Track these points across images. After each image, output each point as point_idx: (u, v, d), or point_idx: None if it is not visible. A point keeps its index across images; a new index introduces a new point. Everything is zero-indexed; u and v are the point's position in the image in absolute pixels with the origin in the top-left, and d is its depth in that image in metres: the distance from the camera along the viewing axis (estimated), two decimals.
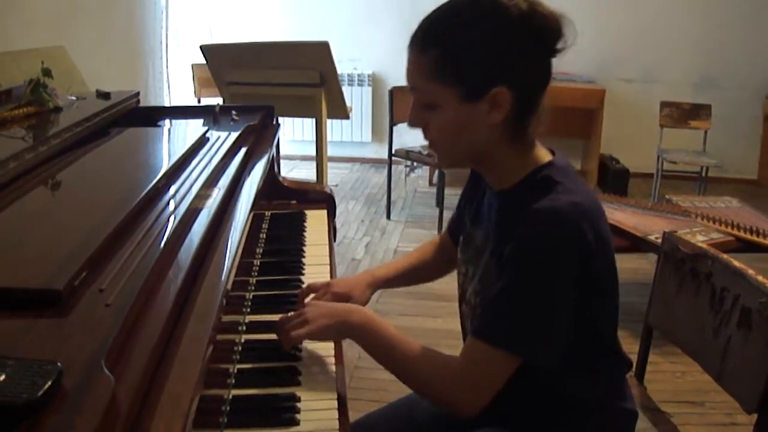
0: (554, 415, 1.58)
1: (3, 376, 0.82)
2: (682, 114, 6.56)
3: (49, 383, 0.82)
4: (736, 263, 1.88)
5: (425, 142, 1.56)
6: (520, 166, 1.49)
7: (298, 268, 2.04)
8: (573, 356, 1.46)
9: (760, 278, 1.78)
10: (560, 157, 1.53)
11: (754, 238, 3.76)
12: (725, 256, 1.94)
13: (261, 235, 2.25)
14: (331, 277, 2.04)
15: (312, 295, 1.77)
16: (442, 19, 1.43)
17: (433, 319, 4.10)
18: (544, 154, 1.51)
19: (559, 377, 1.51)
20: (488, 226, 1.58)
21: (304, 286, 1.88)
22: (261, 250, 2.15)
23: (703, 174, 6.55)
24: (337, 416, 1.39)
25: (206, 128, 2.25)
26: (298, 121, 7.63)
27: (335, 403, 1.43)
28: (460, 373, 1.43)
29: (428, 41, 1.41)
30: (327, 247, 2.24)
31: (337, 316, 1.53)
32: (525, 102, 1.42)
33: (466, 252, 1.68)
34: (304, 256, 2.15)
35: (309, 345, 1.61)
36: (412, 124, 1.51)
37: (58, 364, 0.85)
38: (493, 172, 1.54)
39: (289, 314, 1.56)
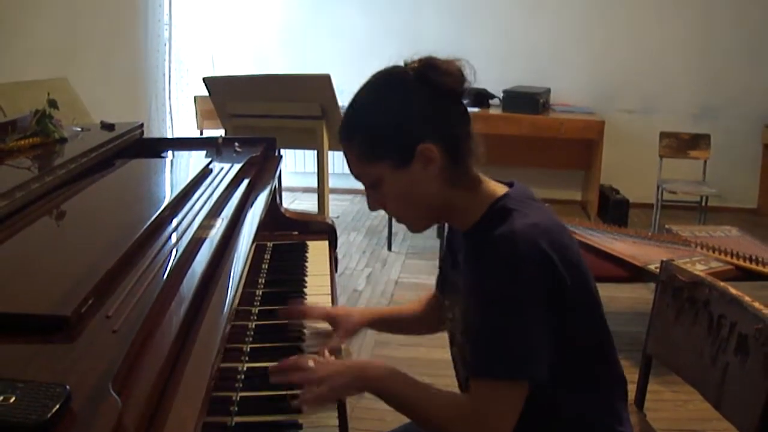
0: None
1: (13, 398, 0.84)
2: (682, 144, 6.59)
3: (58, 405, 0.84)
4: (733, 290, 1.90)
5: None
6: (476, 205, 1.55)
7: (299, 297, 2.06)
8: (564, 374, 1.49)
9: (756, 305, 1.80)
10: (517, 187, 1.59)
11: (754, 266, 3.76)
12: (722, 283, 1.96)
13: (263, 266, 2.27)
14: (333, 305, 2.05)
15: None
16: (353, 109, 1.55)
17: (435, 350, 4.09)
18: (497, 188, 1.58)
19: (553, 397, 1.53)
20: (464, 270, 1.62)
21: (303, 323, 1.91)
22: (263, 280, 2.17)
23: (703, 203, 6.56)
24: None
25: (209, 160, 2.28)
26: (299, 153, 7.65)
27: (337, 431, 1.44)
28: (475, 416, 1.45)
29: (349, 132, 1.53)
30: (328, 277, 2.26)
31: (354, 372, 1.54)
32: (454, 147, 1.51)
33: (449, 297, 1.74)
34: (305, 286, 2.17)
35: None
36: (373, 207, 1.61)
37: (67, 386, 0.87)
38: (456, 218, 1.61)
39: (305, 363, 1.54)
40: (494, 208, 1.52)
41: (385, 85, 1.53)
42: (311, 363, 1.53)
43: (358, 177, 1.56)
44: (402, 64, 1.53)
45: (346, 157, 1.56)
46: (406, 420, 1.82)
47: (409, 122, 1.48)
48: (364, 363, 1.63)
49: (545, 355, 1.44)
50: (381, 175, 1.50)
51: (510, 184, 1.60)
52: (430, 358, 3.98)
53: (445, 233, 1.84)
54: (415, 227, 1.62)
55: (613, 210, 6.55)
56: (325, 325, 1.90)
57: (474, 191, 1.55)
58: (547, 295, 1.42)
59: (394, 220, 1.89)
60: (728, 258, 3.85)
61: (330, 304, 2.06)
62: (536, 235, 1.42)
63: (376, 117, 1.51)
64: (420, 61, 1.50)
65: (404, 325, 2.08)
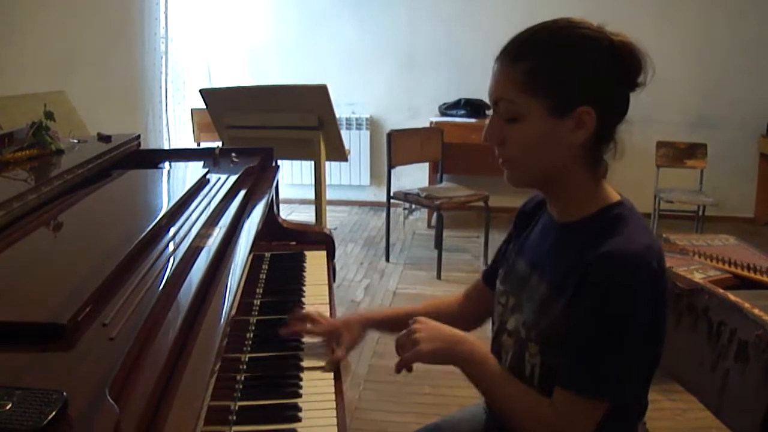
0: None
1: (9, 405, 0.83)
2: (678, 153, 6.60)
3: (54, 412, 0.83)
4: (732, 297, 1.89)
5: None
6: (589, 199, 1.50)
7: (299, 308, 2.05)
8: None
9: (756, 311, 1.79)
10: (627, 199, 1.54)
11: (752, 275, 3.76)
12: (721, 290, 1.95)
13: (261, 276, 2.27)
14: (331, 316, 2.04)
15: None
16: (536, 36, 1.45)
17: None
18: (613, 193, 1.53)
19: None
20: (537, 256, 1.59)
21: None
22: (261, 290, 2.16)
23: (700, 213, 6.57)
24: None
25: (206, 170, 2.28)
26: (296, 164, 7.67)
27: None
28: (554, 423, 1.44)
29: (522, 54, 1.43)
30: (326, 286, 2.26)
31: (445, 342, 1.56)
32: (605, 128, 1.45)
33: (506, 283, 1.68)
34: (303, 296, 2.16)
35: (308, 382, 1.62)
36: (489, 139, 1.49)
37: (63, 393, 0.86)
38: (561, 200, 1.54)
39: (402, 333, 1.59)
40: (609, 213, 1.47)
41: (578, 33, 1.43)
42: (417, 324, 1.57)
43: (497, 101, 1.46)
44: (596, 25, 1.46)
45: (496, 74, 1.46)
46: (406, 430, 1.81)
47: (589, 80, 1.42)
48: (456, 337, 1.59)
49: (636, 381, 1.46)
50: (528, 112, 1.41)
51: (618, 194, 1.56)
52: (431, 369, 3.97)
53: (510, 230, 1.78)
54: (516, 178, 1.51)
55: None
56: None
57: (594, 182, 1.50)
58: (651, 322, 1.41)
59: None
60: (726, 266, 3.85)
61: (328, 314, 2.04)
62: (652, 259, 1.38)
63: (561, 55, 1.42)
64: (617, 35, 1.44)
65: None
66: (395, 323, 1.91)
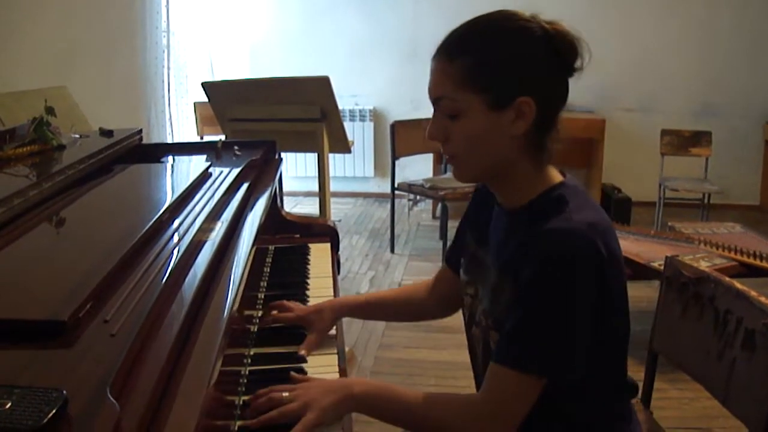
0: None
1: (9, 404, 0.82)
2: (683, 141, 6.58)
3: (54, 411, 0.82)
4: (739, 285, 1.88)
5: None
6: (533, 184, 1.52)
7: (302, 300, 2.04)
8: (586, 381, 1.47)
9: (762, 299, 1.78)
10: (570, 178, 1.55)
11: (758, 262, 3.75)
12: (727, 279, 1.95)
13: (265, 269, 2.26)
14: (338, 337, 2.01)
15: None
16: (471, 32, 1.48)
17: (439, 352, 4.08)
18: (556, 175, 1.55)
19: (567, 400, 1.52)
20: (492, 244, 1.60)
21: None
22: (265, 284, 2.15)
23: (706, 201, 6.55)
24: None
25: (209, 163, 2.27)
26: (300, 157, 7.66)
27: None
28: (484, 404, 1.44)
29: (458, 51, 1.45)
30: (331, 279, 2.25)
31: (337, 391, 1.48)
32: (546, 116, 1.46)
33: (470, 273, 1.70)
34: (308, 289, 2.15)
35: (312, 375, 1.61)
36: (433, 136, 1.53)
37: (64, 392, 0.85)
38: (507, 189, 1.55)
39: (280, 396, 1.45)
40: (550, 195, 1.49)
41: (511, 25, 1.45)
42: (285, 394, 1.45)
43: (437, 100, 1.50)
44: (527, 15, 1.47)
45: (434, 72, 1.50)
46: None
47: (524, 70, 1.44)
48: (348, 380, 1.59)
49: (580, 359, 1.42)
50: (468, 108, 1.44)
51: (563, 174, 1.57)
52: (437, 360, 3.97)
53: (468, 208, 1.81)
54: (464, 174, 1.55)
55: (616, 208, 6.54)
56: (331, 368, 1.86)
57: (538, 169, 1.52)
58: (592, 298, 1.40)
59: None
60: (732, 254, 3.84)
61: (334, 335, 2.01)
62: (594, 235, 1.39)
63: (497, 49, 1.44)
64: (551, 23, 1.45)
65: (398, 310, 2.05)
66: (366, 309, 2.03)
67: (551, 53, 1.43)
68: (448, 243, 5.55)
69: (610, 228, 1.46)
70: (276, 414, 1.41)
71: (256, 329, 1.85)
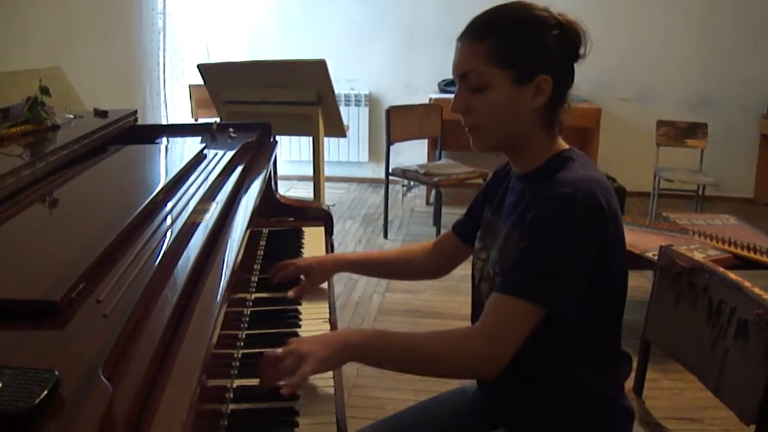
0: (558, 407, 1.64)
1: (0, 385, 0.82)
2: (679, 133, 6.58)
3: (46, 391, 0.81)
4: (733, 276, 1.89)
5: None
6: (544, 150, 1.66)
7: (295, 284, 2.04)
8: (580, 344, 1.60)
9: (756, 290, 1.79)
10: (575, 148, 1.70)
11: (752, 255, 3.75)
12: (721, 269, 1.95)
13: (259, 252, 2.25)
14: (329, 293, 2.04)
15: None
16: (498, 17, 1.63)
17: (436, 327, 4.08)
18: (564, 144, 1.70)
19: (565, 367, 1.61)
20: (507, 209, 1.70)
21: (299, 310, 1.91)
22: (259, 267, 2.15)
23: (700, 192, 6.55)
24: (335, 430, 1.39)
25: (203, 145, 2.26)
26: (295, 141, 7.64)
27: (334, 417, 1.43)
28: (483, 330, 1.52)
29: (485, 32, 1.59)
30: None
31: (332, 342, 1.50)
32: (559, 93, 1.62)
33: (484, 240, 1.79)
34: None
35: None
36: (457, 108, 1.64)
37: (56, 372, 0.85)
38: (522, 156, 1.69)
39: (274, 353, 1.47)
40: (559, 157, 1.64)
41: (531, 14, 1.60)
42: (280, 350, 1.46)
43: (465, 75, 1.61)
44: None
45: (461, 50, 1.63)
46: (404, 407, 1.84)
47: (545, 51, 1.59)
48: (345, 330, 1.62)
49: (575, 296, 1.52)
50: (494, 83, 1.58)
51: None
52: None
53: (486, 185, 1.91)
54: (483, 143, 1.67)
55: None
56: (324, 317, 1.89)
57: (550, 138, 1.67)
58: (592, 244, 1.51)
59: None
60: (726, 246, 3.84)
61: (327, 290, 2.06)
62: (595, 187, 1.52)
63: (523, 30, 1.59)
64: (563, 15, 1.62)
65: (388, 270, 2.19)
66: (365, 265, 2.19)
67: (563, 39, 1.59)
68: (442, 229, 5.58)
69: (610, 188, 1.58)
70: (275, 373, 1.43)
71: (249, 312, 1.85)
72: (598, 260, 1.52)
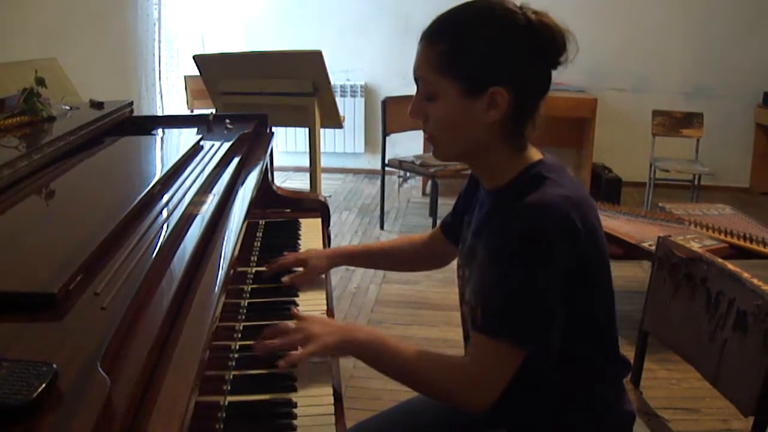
0: (556, 414, 1.62)
1: None
2: (675, 123, 6.57)
3: (44, 384, 0.81)
4: (731, 267, 1.88)
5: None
6: (512, 166, 1.54)
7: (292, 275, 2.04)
8: (574, 354, 1.54)
9: (755, 281, 1.78)
10: (549, 157, 1.58)
11: (748, 244, 3.76)
12: (720, 259, 1.94)
13: (256, 243, 2.25)
14: (326, 284, 2.04)
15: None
16: (453, 18, 1.50)
17: (429, 328, 4.09)
18: (534, 154, 1.57)
19: (562, 376, 1.57)
20: (478, 225, 1.63)
21: (296, 302, 1.91)
22: (256, 258, 2.14)
23: (696, 182, 6.55)
24: (333, 422, 1.39)
25: (200, 137, 2.25)
26: (290, 132, 7.63)
27: (332, 409, 1.43)
28: (468, 371, 1.48)
29: (438, 36, 1.49)
30: None
31: (340, 333, 1.55)
32: (522, 106, 1.48)
33: (462, 255, 1.73)
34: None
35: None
36: (412, 114, 1.56)
37: (54, 365, 0.84)
38: (486, 171, 1.60)
39: (285, 324, 1.57)
40: (529, 173, 1.52)
41: (495, 13, 1.47)
42: (292, 323, 1.56)
43: (418, 79, 1.53)
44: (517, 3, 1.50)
45: (418, 53, 1.53)
46: (401, 399, 1.84)
47: (498, 60, 1.46)
48: (352, 326, 1.65)
49: (553, 327, 1.46)
50: (442, 92, 1.48)
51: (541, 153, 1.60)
52: (427, 337, 3.97)
53: (463, 189, 1.87)
54: (443, 154, 1.59)
55: (606, 188, 6.55)
56: (321, 308, 1.89)
57: (515, 154, 1.55)
58: (567, 269, 1.43)
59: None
60: (722, 236, 3.85)
61: (324, 281, 2.06)
62: (568, 208, 1.42)
63: (474, 37, 1.46)
64: (537, 13, 1.46)
65: (384, 262, 2.18)
66: (363, 257, 2.17)
67: (533, 44, 1.45)
68: (438, 220, 5.57)
69: (587, 201, 1.50)
70: (279, 343, 1.50)
71: (246, 303, 1.85)
72: (577, 282, 1.46)
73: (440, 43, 1.47)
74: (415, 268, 2.24)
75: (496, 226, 1.50)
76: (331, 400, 1.46)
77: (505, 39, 1.45)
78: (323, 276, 2.07)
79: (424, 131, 1.58)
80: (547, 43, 1.45)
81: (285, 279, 1.95)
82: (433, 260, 2.08)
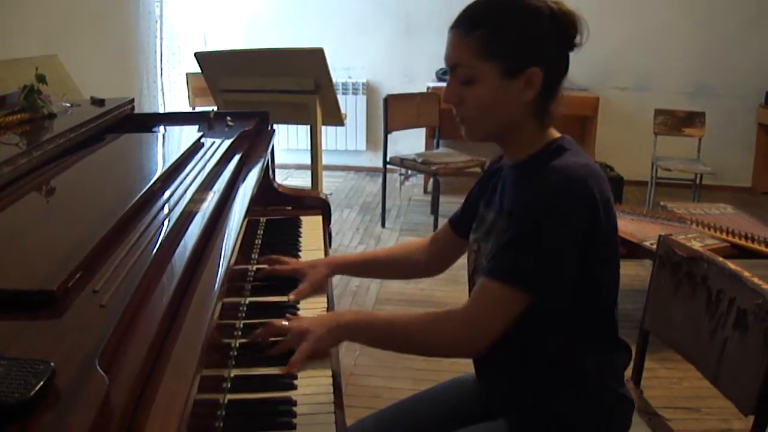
0: (555, 395, 1.64)
1: None
2: (677, 122, 6.57)
3: (42, 383, 0.81)
4: (732, 266, 1.88)
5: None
6: (536, 140, 1.63)
7: (294, 283, 2.03)
8: (575, 329, 1.60)
9: (755, 280, 1.78)
10: (567, 136, 1.67)
11: (749, 244, 3.75)
12: (721, 258, 1.94)
13: (256, 241, 2.24)
14: (327, 283, 2.03)
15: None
16: (488, 7, 1.60)
17: None
18: (555, 133, 1.67)
19: (561, 354, 1.61)
20: (500, 200, 1.69)
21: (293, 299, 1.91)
22: (256, 256, 2.14)
23: (698, 181, 6.54)
24: (333, 420, 1.39)
25: (201, 134, 2.25)
26: (292, 129, 7.63)
27: (332, 407, 1.42)
28: (467, 312, 1.54)
29: (476, 23, 1.56)
30: (322, 252, 2.24)
31: (328, 322, 1.62)
32: (551, 85, 1.60)
33: (477, 231, 1.77)
34: None
35: None
36: (448, 99, 1.64)
37: (51, 363, 0.84)
38: (514, 146, 1.67)
39: (279, 322, 1.64)
40: (551, 146, 1.61)
41: (523, 3, 1.57)
42: (285, 322, 1.63)
43: (454, 67, 1.59)
44: None
45: (451, 42, 1.60)
46: (401, 397, 1.84)
47: (536, 43, 1.56)
48: (338, 312, 1.71)
49: (564, 284, 1.52)
50: (482, 75, 1.56)
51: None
52: None
53: (480, 179, 1.91)
54: (474, 134, 1.66)
55: None
56: (322, 306, 1.89)
57: (542, 129, 1.64)
58: (582, 232, 1.50)
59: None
60: (723, 235, 3.84)
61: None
62: (586, 175, 1.50)
63: (513, 21, 1.56)
64: (556, 2, 1.58)
65: (393, 269, 2.16)
66: (361, 267, 2.15)
67: (557, 29, 1.56)
68: (439, 218, 5.58)
69: (603, 176, 1.56)
70: (275, 352, 1.57)
71: (247, 301, 1.84)
72: (589, 249, 1.52)
73: (478, 29, 1.55)
74: (415, 274, 2.21)
75: (516, 192, 1.61)
76: (331, 399, 1.45)
77: (535, 23, 1.55)
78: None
79: (456, 115, 1.65)
80: (566, 27, 1.57)
81: (291, 296, 1.91)
82: (435, 264, 2.07)
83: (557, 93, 1.63)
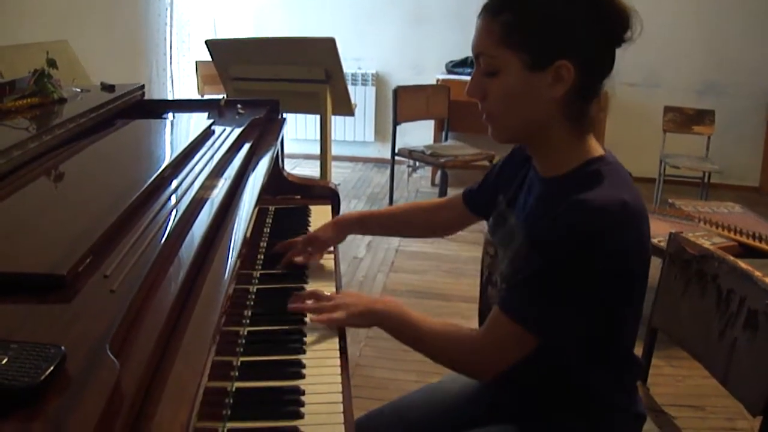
0: (569, 408, 1.60)
1: (5, 359, 0.80)
2: (686, 119, 6.55)
3: (52, 367, 0.80)
4: (743, 265, 1.87)
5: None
6: (572, 154, 1.49)
7: (302, 268, 2.02)
8: (591, 353, 1.52)
9: (767, 280, 1.77)
10: (611, 154, 1.53)
11: (757, 243, 3.74)
12: (732, 257, 1.93)
13: (265, 229, 2.24)
14: (336, 271, 2.03)
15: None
16: None
17: (436, 318, 4.07)
18: (597, 147, 1.52)
19: (576, 374, 1.55)
20: (522, 209, 1.60)
21: (306, 287, 1.90)
22: (265, 244, 2.13)
23: (706, 180, 6.53)
24: (341, 410, 1.38)
25: (211, 121, 2.24)
26: (301, 119, 7.62)
27: (340, 397, 1.42)
28: (481, 341, 1.50)
29: (501, 8, 1.41)
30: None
31: (365, 304, 1.65)
32: (587, 83, 1.44)
33: (496, 234, 1.72)
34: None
35: (311, 338, 1.61)
36: (471, 93, 1.50)
37: (62, 347, 0.84)
38: (545, 154, 1.54)
39: (319, 291, 1.72)
40: (588, 169, 1.46)
41: None
42: (328, 292, 1.70)
43: (478, 56, 1.45)
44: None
45: (478, 28, 1.45)
46: (408, 389, 1.83)
47: (565, 33, 1.40)
48: (376, 299, 1.71)
49: (575, 329, 1.45)
50: (505, 66, 1.41)
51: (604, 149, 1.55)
52: None
53: (503, 164, 1.82)
54: (500, 133, 1.52)
55: None
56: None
57: (577, 137, 1.49)
58: (608, 281, 1.40)
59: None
60: (731, 234, 3.83)
61: (333, 268, 2.05)
62: (623, 215, 1.37)
63: (542, 8, 1.40)
64: None
65: (402, 226, 2.15)
66: (372, 224, 2.15)
67: (599, 20, 1.40)
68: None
69: (643, 212, 1.43)
70: (313, 305, 1.66)
71: (255, 290, 1.84)
72: (615, 293, 1.43)
73: (504, 13, 1.40)
74: (423, 234, 2.22)
75: (545, 216, 1.45)
76: (340, 388, 1.45)
77: (573, 12, 1.39)
78: (332, 264, 2.05)
79: (481, 111, 1.51)
80: (611, 17, 1.40)
81: (299, 259, 1.96)
82: (443, 228, 2.07)
83: (596, 93, 1.48)
